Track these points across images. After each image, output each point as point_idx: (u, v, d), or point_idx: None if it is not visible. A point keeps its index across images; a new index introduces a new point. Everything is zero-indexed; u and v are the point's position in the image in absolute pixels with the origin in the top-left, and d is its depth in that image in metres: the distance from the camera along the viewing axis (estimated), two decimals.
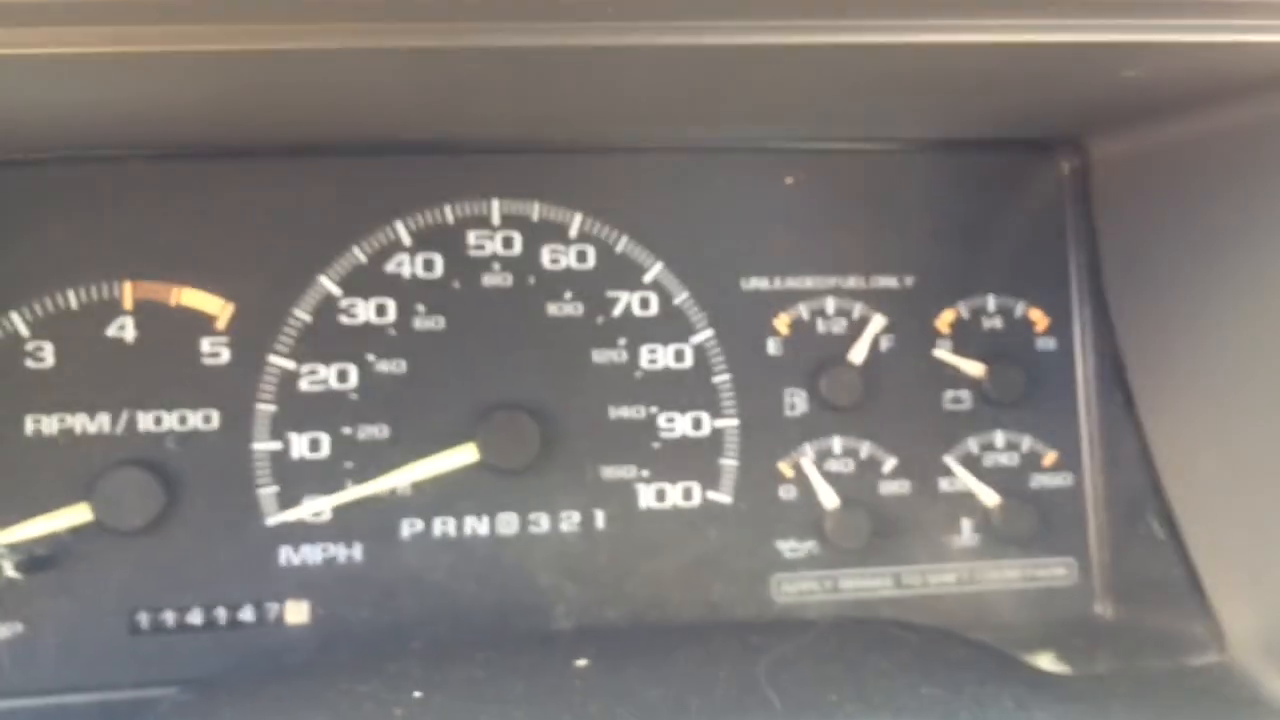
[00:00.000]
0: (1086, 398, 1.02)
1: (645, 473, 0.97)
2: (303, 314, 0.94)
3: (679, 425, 0.98)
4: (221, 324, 0.93)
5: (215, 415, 0.92)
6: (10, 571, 0.86)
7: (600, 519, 0.97)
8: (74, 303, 0.91)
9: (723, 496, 0.99)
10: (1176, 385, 0.92)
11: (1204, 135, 0.86)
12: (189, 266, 0.92)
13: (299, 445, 0.93)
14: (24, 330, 0.90)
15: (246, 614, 0.92)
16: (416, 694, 0.75)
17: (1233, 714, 0.79)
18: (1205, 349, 0.88)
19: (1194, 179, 0.87)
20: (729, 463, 0.99)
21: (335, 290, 0.94)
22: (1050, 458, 1.02)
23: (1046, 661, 0.91)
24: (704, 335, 0.99)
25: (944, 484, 1.01)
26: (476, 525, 0.95)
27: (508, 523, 0.95)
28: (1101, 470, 1.01)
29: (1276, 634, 0.82)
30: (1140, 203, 0.95)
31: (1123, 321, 0.98)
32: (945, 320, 1.02)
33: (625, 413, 0.98)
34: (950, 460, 1.01)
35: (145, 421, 0.91)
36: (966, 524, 1.01)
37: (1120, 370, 0.98)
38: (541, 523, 0.96)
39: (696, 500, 0.98)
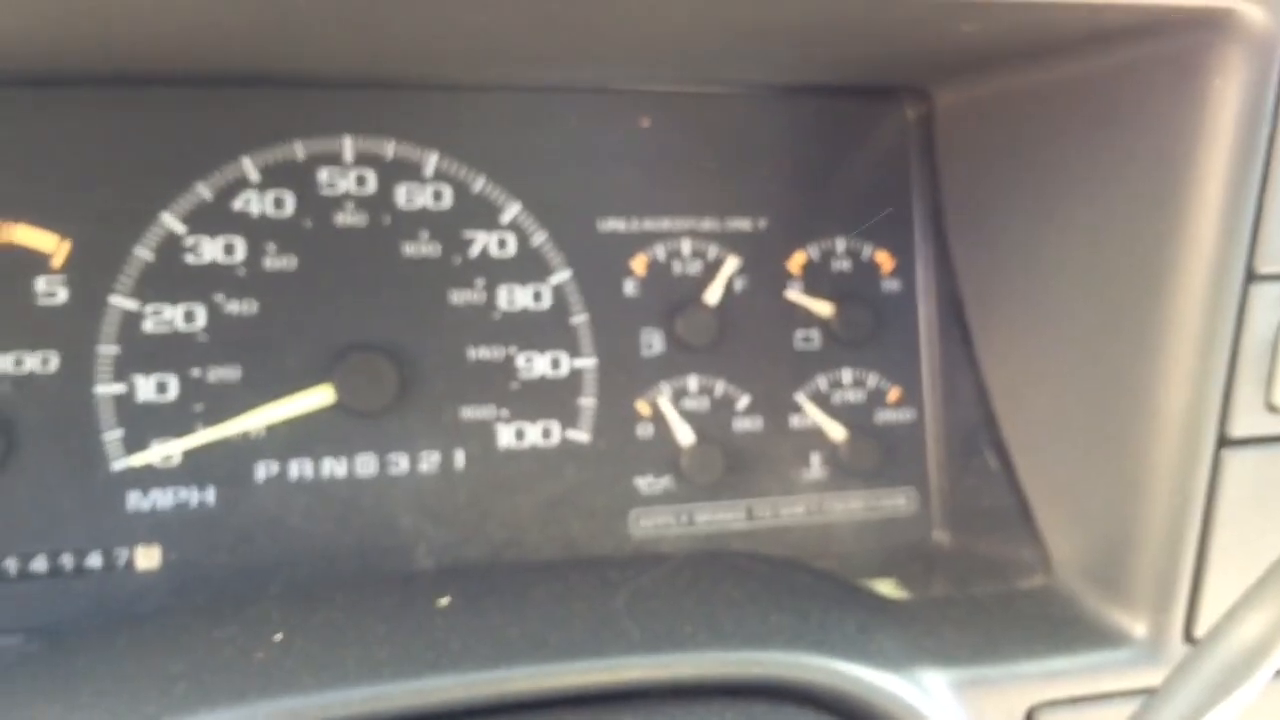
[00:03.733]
0: (928, 337, 1.07)
1: (504, 412, 0.98)
2: (144, 252, 0.90)
3: (537, 365, 0.99)
4: (57, 262, 0.89)
5: (54, 358, 0.89)
6: None
7: (460, 459, 0.97)
8: None
9: (581, 435, 1.00)
10: (1011, 326, 0.98)
11: (1039, 87, 0.90)
12: (20, 202, 0.88)
13: (145, 388, 0.91)
14: None
15: (94, 560, 0.90)
16: (277, 637, 0.74)
17: (1055, 631, 0.85)
18: (1037, 291, 0.93)
19: (1029, 129, 0.92)
20: (587, 402, 1.00)
21: (179, 228, 0.91)
22: (894, 394, 1.07)
23: (887, 587, 0.96)
24: (562, 276, 1.00)
25: (794, 420, 1.04)
26: (334, 467, 0.94)
27: (366, 464, 0.95)
28: (941, 406, 1.06)
29: (1095, 558, 0.89)
30: (981, 150, 0.99)
31: (963, 264, 1.03)
32: (796, 262, 1.05)
33: (484, 353, 0.98)
34: (800, 397, 1.04)
35: None
36: (815, 458, 1.05)
37: (960, 311, 1.03)
38: (400, 464, 0.96)
39: (555, 439, 0.99)
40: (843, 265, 1.05)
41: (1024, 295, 0.95)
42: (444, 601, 0.81)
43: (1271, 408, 0.79)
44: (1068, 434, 0.90)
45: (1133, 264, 0.81)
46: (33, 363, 0.88)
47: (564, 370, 1.00)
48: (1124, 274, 0.83)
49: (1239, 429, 0.79)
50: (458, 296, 0.97)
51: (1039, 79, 0.89)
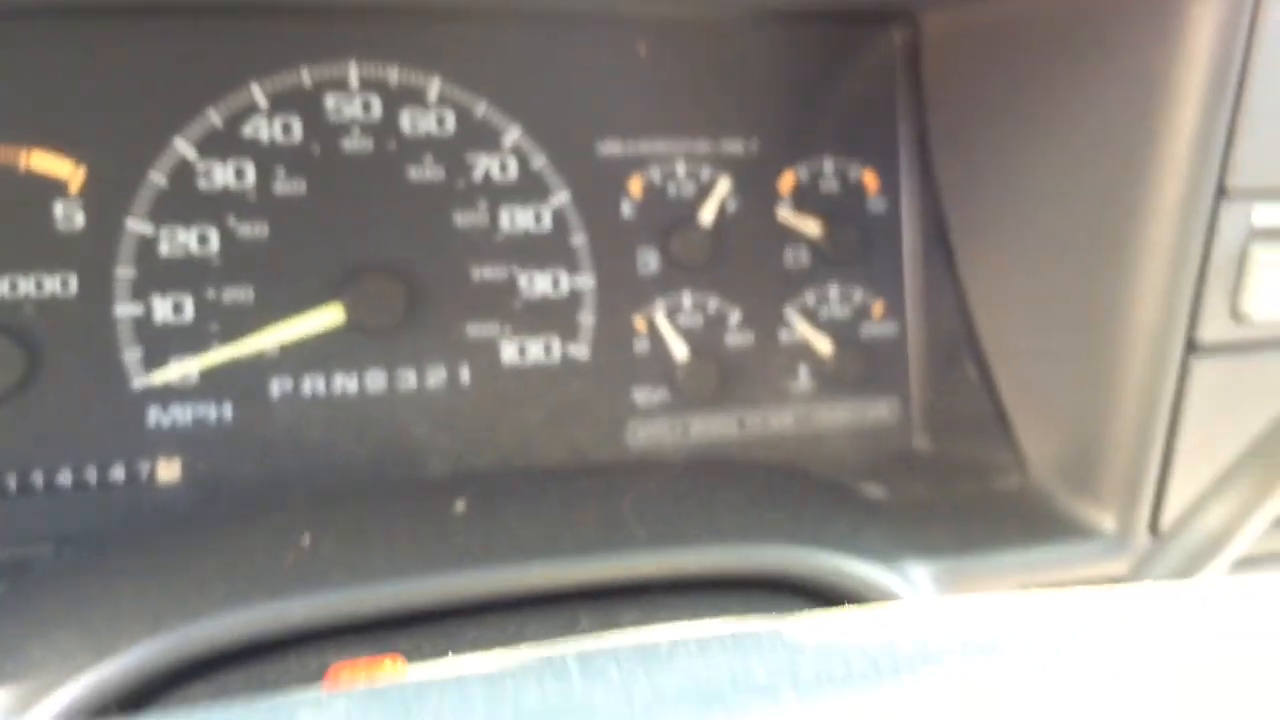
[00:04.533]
0: (912, 254, 1.11)
1: (508, 330, 1.02)
2: (158, 177, 0.93)
3: (538, 284, 1.03)
4: (74, 188, 0.91)
5: (73, 280, 0.92)
6: None
7: (466, 374, 1.01)
8: None
9: (581, 350, 1.04)
10: (992, 243, 1.02)
11: (1023, 12, 0.93)
12: (38, 129, 0.90)
13: (162, 309, 0.94)
14: None
15: (117, 474, 0.94)
16: (305, 540, 0.79)
17: (1030, 526, 0.91)
18: (1018, 209, 0.98)
19: (1013, 53, 0.95)
20: (586, 319, 1.04)
21: (191, 153, 0.94)
22: (879, 308, 1.11)
23: (873, 490, 1.02)
24: (561, 198, 1.03)
25: (784, 334, 1.09)
26: (346, 383, 0.98)
27: (376, 380, 0.99)
28: (924, 319, 1.11)
29: (1068, 459, 0.95)
30: (966, 74, 1.03)
31: (946, 184, 1.07)
32: (786, 183, 1.09)
33: (487, 273, 1.01)
34: (790, 312, 1.09)
35: (1, 287, 0.90)
36: (803, 370, 1.10)
37: (943, 229, 1.08)
38: (409, 379, 1.00)
39: (556, 355, 1.04)
40: (831, 186, 1.09)
41: (1005, 213, 0.99)
42: (460, 506, 0.85)
43: (1237, 316, 0.84)
44: (1044, 344, 0.96)
45: (1110, 182, 0.86)
46: (53, 285, 0.91)
47: (564, 289, 1.03)
48: (1101, 191, 0.87)
49: (1207, 335, 0.84)
50: (462, 218, 1.00)
51: (1023, 4, 0.93)
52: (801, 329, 1.09)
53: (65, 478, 0.92)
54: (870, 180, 1.10)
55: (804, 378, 1.10)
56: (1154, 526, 0.89)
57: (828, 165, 1.09)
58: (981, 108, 1.00)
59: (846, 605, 0.81)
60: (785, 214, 1.08)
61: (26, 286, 0.91)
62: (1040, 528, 0.91)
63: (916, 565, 0.85)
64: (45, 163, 0.91)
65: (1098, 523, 0.90)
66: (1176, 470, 0.87)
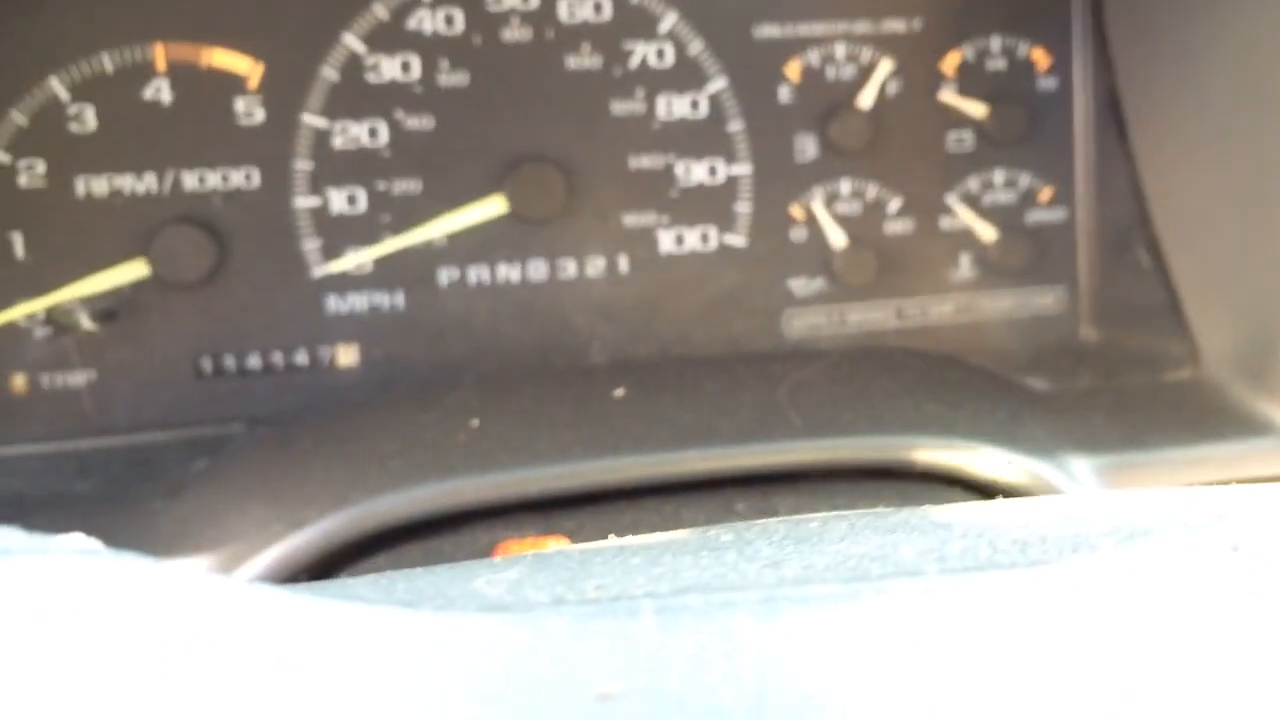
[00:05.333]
0: (1084, 135, 1.07)
1: (665, 219, 1.03)
2: (330, 72, 0.96)
3: (695, 173, 1.03)
4: (253, 84, 0.96)
5: (255, 173, 0.97)
6: (88, 323, 0.93)
7: (624, 264, 1.03)
8: (109, 66, 0.93)
9: (738, 239, 1.05)
10: (1169, 122, 0.97)
11: None
12: (217, 27, 0.94)
13: (338, 200, 0.98)
14: (64, 94, 0.92)
15: (301, 358, 1.00)
16: (474, 422, 0.83)
17: (1202, 420, 0.89)
18: (1197, 87, 0.92)
19: None
20: (743, 207, 1.04)
21: (360, 48, 0.97)
22: (1046, 193, 1.08)
23: (1037, 382, 1.00)
24: (718, 85, 1.02)
25: (945, 222, 1.07)
26: (509, 272, 1.01)
27: (537, 269, 1.02)
28: (1094, 204, 1.07)
29: (1245, 349, 0.91)
30: None
31: (1121, 60, 1.02)
32: (950, 63, 1.05)
33: (644, 162, 1.02)
34: (952, 199, 1.07)
35: (190, 181, 0.95)
36: (965, 258, 1.08)
37: (1117, 108, 1.03)
38: (569, 269, 1.02)
39: (713, 244, 1.04)
40: (998, 64, 1.05)
41: (1183, 90, 0.94)
42: (619, 392, 0.88)
43: None
44: (1223, 228, 0.91)
45: None
46: (238, 178, 0.96)
47: (720, 177, 1.03)
48: None
49: None
50: (619, 107, 1.01)
51: None
52: (964, 216, 1.07)
53: (254, 361, 0.99)
54: (1040, 58, 1.06)
55: (965, 267, 1.08)
56: None
57: (995, 43, 1.05)
58: None
59: (1004, 498, 0.81)
60: (949, 96, 1.05)
61: (214, 180, 0.96)
62: (1211, 422, 0.88)
63: (1078, 459, 0.84)
64: (226, 60, 0.95)
65: (1274, 418, 0.87)
66: None
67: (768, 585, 0.28)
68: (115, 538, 0.79)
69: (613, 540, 0.39)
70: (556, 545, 0.72)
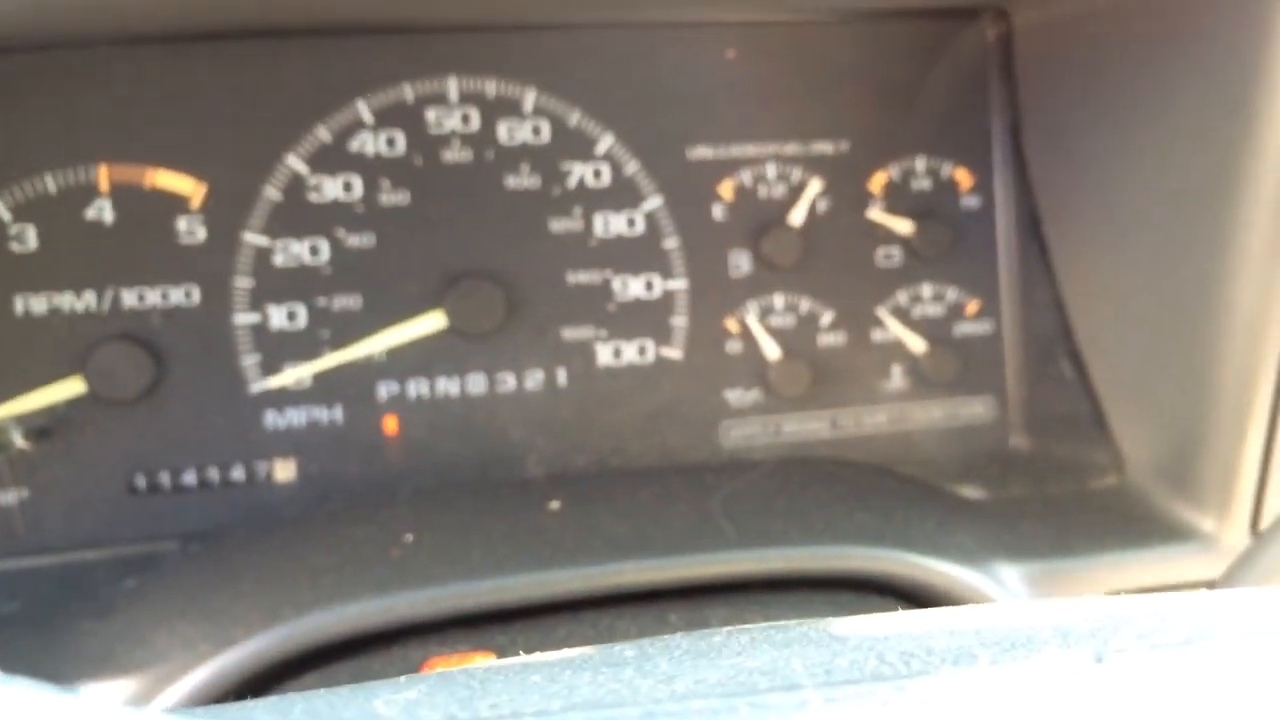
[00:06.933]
0: (1006, 251, 1.11)
1: (603, 333, 1.05)
2: (273, 192, 0.98)
3: (632, 288, 1.06)
4: (196, 204, 0.97)
5: (196, 291, 0.98)
6: (20, 442, 0.93)
7: (563, 376, 1.04)
8: (52, 187, 0.94)
9: (674, 352, 1.07)
10: (1087, 238, 1.01)
11: (1116, 4, 0.92)
12: (161, 149, 0.96)
13: (277, 316, 0.99)
14: (6, 215, 0.93)
15: (237, 473, 1.00)
16: (408, 537, 0.83)
17: (1126, 527, 0.90)
18: (1113, 203, 0.96)
19: (1105, 46, 0.94)
20: (679, 321, 1.06)
21: (303, 169, 0.99)
22: (973, 307, 1.11)
23: (967, 490, 1.02)
24: (654, 203, 1.05)
25: (876, 334, 1.10)
26: (448, 386, 1.02)
27: (476, 383, 1.03)
28: (1019, 317, 1.10)
29: (1166, 457, 0.93)
30: (1058, 68, 1.02)
31: (1040, 181, 1.06)
32: (878, 182, 1.09)
33: (582, 277, 1.04)
34: (882, 312, 1.10)
35: (129, 299, 0.96)
36: (896, 370, 1.10)
37: (1037, 226, 1.07)
38: (508, 382, 1.03)
39: (650, 357, 1.06)
40: (923, 184, 1.09)
41: (1100, 207, 0.98)
42: (555, 505, 0.89)
43: None
44: (1141, 339, 0.94)
45: (1208, 174, 0.85)
46: (178, 296, 0.97)
47: (657, 291, 1.06)
48: (1197, 182, 0.86)
49: None
50: (557, 225, 1.03)
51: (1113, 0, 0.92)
52: (894, 328, 1.09)
53: (190, 477, 0.99)
54: (963, 178, 1.10)
55: (897, 377, 1.10)
56: (1255, 527, 0.87)
57: (919, 164, 1.09)
58: (1074, 100, 0.99)
59: (935, 606, 0.82)
60: (877, 214, 1.09)
61: (153, 297, 0.97)
62: (1136, 528, 0.90)
63: (1007, 566, 0.85)
64: (169, 180, 0.97)
65: (1196, 523, 0.89)
66: (1277, 469, 0.85)
67: (651, 701, 0.29)
68: (40, 660, 0.78)
69: (522, 658, 0.39)
70: (481, 661, 0.72)
